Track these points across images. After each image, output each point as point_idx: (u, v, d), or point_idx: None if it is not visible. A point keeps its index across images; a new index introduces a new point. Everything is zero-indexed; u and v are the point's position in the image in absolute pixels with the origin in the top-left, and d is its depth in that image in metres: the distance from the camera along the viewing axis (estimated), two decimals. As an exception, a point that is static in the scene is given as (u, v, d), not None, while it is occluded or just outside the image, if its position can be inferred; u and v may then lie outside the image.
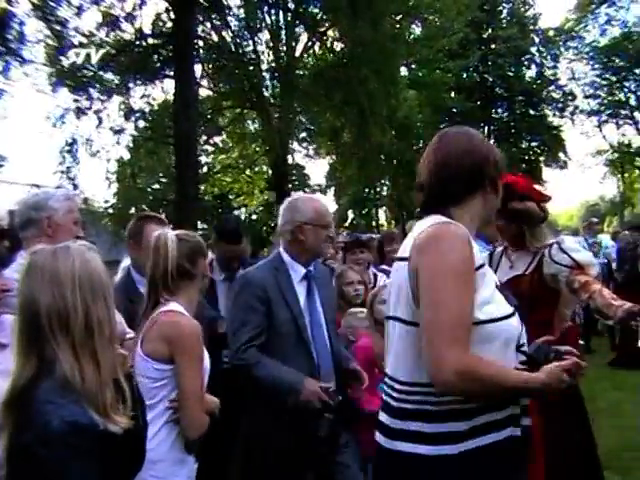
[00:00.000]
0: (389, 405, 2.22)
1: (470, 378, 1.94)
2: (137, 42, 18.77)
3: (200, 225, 23.04)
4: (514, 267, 3.99)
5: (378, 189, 32.00)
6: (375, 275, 5.86)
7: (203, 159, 26.23)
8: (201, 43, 20.13)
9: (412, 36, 23.73)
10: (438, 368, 1.95)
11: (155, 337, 2.80)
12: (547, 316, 3.79)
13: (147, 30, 19.03)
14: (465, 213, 2.27)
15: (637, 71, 35.79)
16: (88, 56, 18.72)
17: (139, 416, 2.07)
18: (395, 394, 2.18)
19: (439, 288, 2.01)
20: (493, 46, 34.31)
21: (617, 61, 36.08)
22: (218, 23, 20.41)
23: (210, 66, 22.16)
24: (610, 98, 37.88)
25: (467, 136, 2.35)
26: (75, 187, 19.78)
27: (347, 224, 31.88)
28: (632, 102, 37.61)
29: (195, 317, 2.94)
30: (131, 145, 23.27)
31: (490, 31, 35.10)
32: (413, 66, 25.04)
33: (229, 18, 20.99)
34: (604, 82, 37.62)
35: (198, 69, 20.21)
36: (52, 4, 16.85)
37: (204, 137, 24.97)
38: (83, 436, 1.78)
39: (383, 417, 2.24)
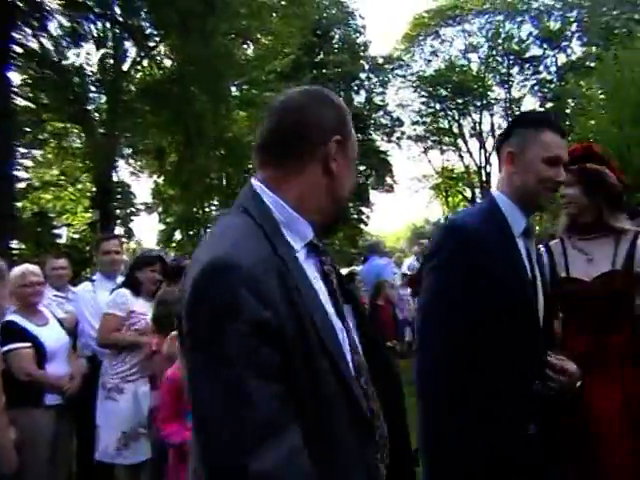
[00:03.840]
0: None
1: None
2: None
3: (16, 244, 21.71)
4: (594, 260, 3.09)
5: (207, 209, 31.44)
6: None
7: (21, 174, 24.72)
8: (19, 50, 18.91)
9: (244, 57, 23.55)
10: None
11: None
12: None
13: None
14: None
15: (459, 101, 37.96)
16: None
17: None
18: None
19: None
20: (324, 70, 35.06)
21: (441, 91, 38.08)
22: (37, 27, 19.19)
23: (30, 75, 20.87)
24: (435, 125, 39.99)
25: None
26: None
27: (174, 245, 31.03)
28: (455, 130, 39.79)
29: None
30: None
31: (322, 55, 35.95)
32: (244, 87, 24.85)
33: (50, 24, 19.84)
34: (429, 110, 39.62)
35: (16, 78, 19.00)
36: None
37: (22, 150, 23.56)
38: None
39: None
